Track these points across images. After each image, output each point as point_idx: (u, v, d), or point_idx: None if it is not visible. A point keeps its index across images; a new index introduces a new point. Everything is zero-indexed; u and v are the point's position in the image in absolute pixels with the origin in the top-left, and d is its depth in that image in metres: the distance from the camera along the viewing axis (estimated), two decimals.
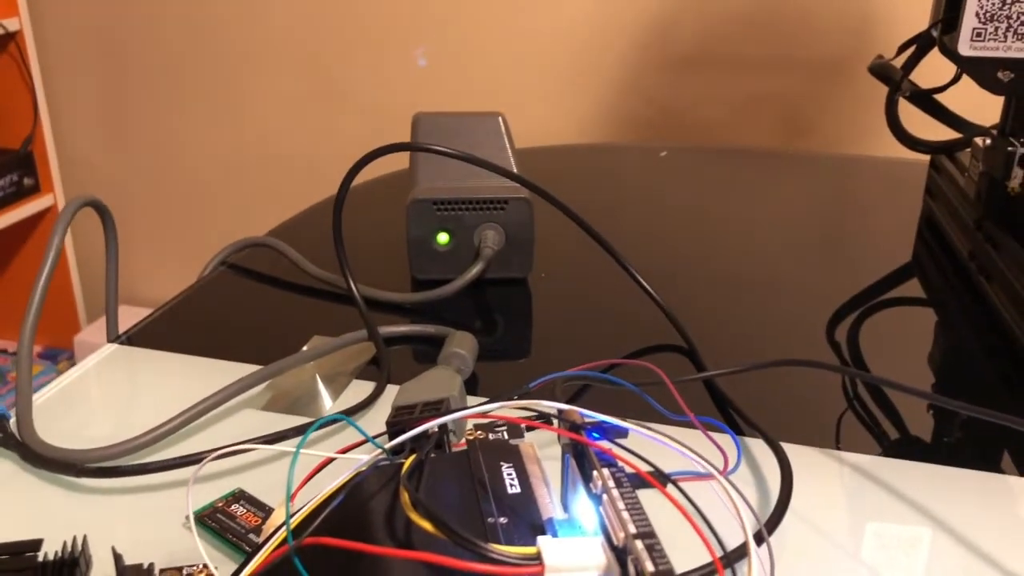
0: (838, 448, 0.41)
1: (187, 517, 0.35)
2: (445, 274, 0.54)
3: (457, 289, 0.53)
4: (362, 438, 0.32)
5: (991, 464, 0.40)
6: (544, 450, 0.32)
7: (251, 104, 1.52)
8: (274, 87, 1.50)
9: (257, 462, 0.39)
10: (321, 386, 0.45)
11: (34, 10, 1.51)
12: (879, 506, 0.37)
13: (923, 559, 0.35)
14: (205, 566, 0.31)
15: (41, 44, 1.53)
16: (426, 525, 0.25)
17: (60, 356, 1.65)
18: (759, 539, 0.33)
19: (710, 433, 0.36)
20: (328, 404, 0.43)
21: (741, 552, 0.30)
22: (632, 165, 0.85)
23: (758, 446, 0.40)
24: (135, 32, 1.52)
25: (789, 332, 0.52)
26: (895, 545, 0.35)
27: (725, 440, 0.37)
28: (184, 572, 0.31)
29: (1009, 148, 0.52)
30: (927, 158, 0.70)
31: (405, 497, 0.26)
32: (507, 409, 0.32)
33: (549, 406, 0.29)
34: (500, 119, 0.69)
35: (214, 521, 0.34)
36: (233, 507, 0.35)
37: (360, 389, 0.44)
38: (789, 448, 0.39)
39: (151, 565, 0.31)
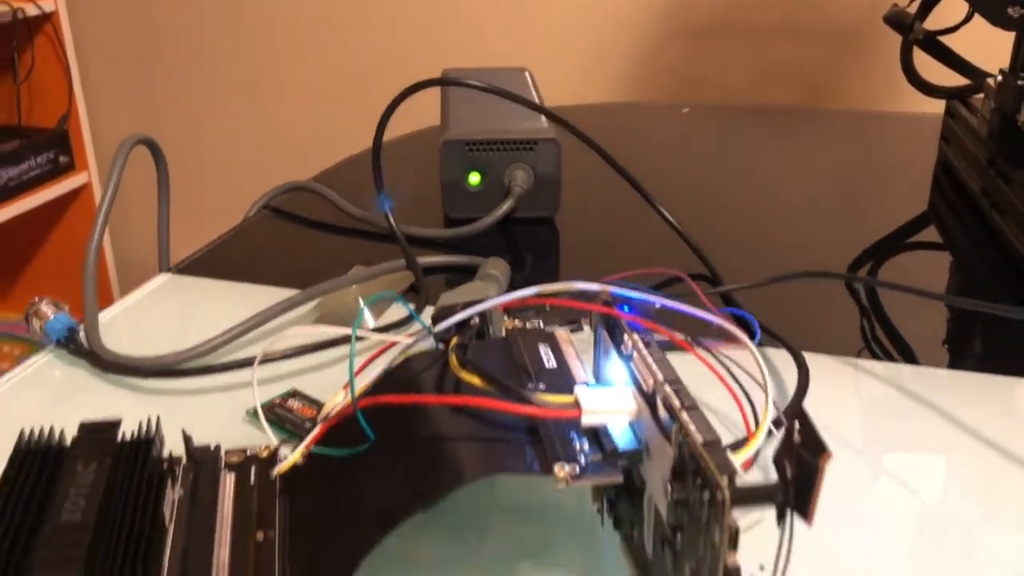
0: (857, 356, 0.43)
1: (247, 412, 0.38)
2: (477, 212, 0.57)
3: (489, 225, 0.55)
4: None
5: (1008, 368, 0.42)
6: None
7: (281, 85, 1.55)
8: (305, 67, 1.53)
9: (308, 368, 0.42)
10: (364, 307, 0.47)
11: None
12: (895, 410, 0.39)
13: (941, 460, 0.37)
14: (267, 447, 0.34)
15: (76, 25, 1.56)
16: (474, 380, 0.27)
17: None
18: (777, 423, 0.35)
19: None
20: (372, 324, 0.46)
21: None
22: (655, 121, 0.87)
23: (777, 356, 0.42)
24: (168, 11, 1.56)
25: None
26: (912, 447, 0.37)
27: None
28: (248, 452, 0.34)
29: (1019, 83, 0.54)
30: (942, 112, 0.71)
31: (454, 360, 0.28)
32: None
33: (583, 287, 0.31)
34: (527, 73, 0.71)
35: (273, 414, 0.37)
36: (290, 402, 0.38)
37: (400, 312, 0.47)
38: (807, 356, 0.41)
39: (218, 445, 0.34)
